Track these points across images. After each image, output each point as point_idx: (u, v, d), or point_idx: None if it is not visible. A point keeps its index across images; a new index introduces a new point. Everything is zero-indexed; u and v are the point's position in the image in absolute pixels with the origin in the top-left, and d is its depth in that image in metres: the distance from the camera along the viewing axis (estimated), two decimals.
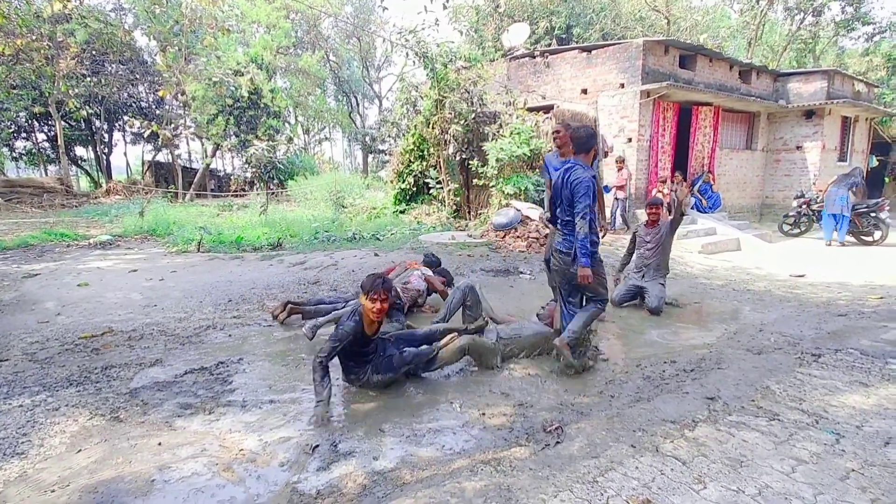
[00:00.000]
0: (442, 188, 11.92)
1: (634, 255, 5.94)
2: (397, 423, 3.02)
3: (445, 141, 11.38)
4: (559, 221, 3.87)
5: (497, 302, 5.53)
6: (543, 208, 5.20)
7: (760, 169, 14.51)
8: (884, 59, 22.63)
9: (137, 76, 23.13)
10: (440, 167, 11.83)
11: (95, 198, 20.67)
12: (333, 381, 3.29)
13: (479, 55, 12.20)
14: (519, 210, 9.40)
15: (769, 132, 14.44)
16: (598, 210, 4.11)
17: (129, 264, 7.81)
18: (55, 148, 23.07)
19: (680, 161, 12.29)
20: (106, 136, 26.17)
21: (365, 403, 3.29)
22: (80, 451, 2.71)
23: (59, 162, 22.46)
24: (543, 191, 9.74)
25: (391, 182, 13.59)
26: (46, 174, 24.90)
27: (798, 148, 14.08)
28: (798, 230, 11.88)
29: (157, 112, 24.38)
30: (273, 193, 19.42)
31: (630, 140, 11.08)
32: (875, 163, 16.96)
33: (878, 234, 10.42)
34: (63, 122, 20.98)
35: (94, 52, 19.88)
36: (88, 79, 20.01)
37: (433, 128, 11.53)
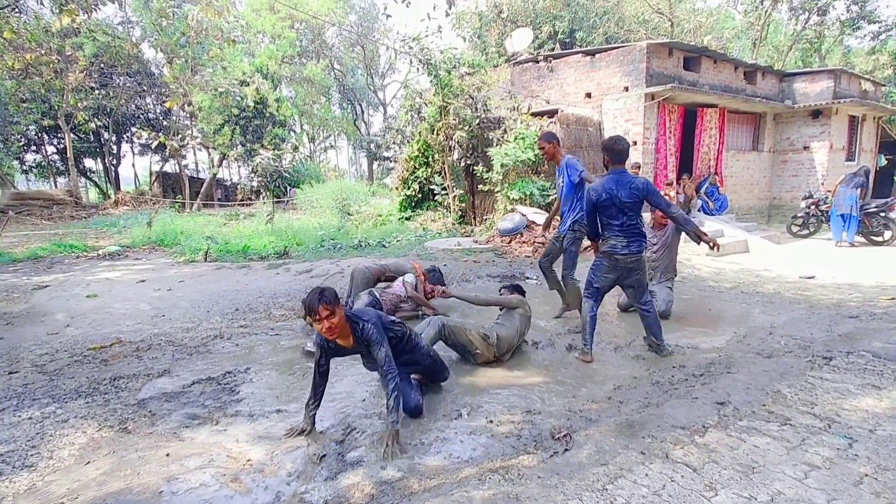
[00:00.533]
0: (447, 194, 11.93)
1: None
2: (404, 431, 3.01)
3: (450, 147, 11.40)
4: (619, 227, 3.99)
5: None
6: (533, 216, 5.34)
7: (767, 170, 14.42)
8: (890, 57, 22.49)
9: (145, 88, 23.41)
10: (445, 173, 11.85)
11: (104, 209, 20.88)
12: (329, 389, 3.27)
13: (483, 61, 12.24)
14: (524, 215, 9.39)
15: (776, 133, 14.37)
16: None
17: (137, 275, 7.87)
18: (64, 160, 23.37)
19: (686, 163, 12.25)
20: (114, 147, 26.47)
21: (370, 411, 3.28)
22: (88, 462, 2.72)
23: (69, 174, 22.74)
24: (549, 195, 9.75)
25: (396, 189, 13.63)
26: (56, 186, 25.23)
27: (805, 148, 13.99)
28: (807, 231, 11.78)
29: (165, 123, 24.65)
30: (281, 202, 19.53)
31: (635, 143, 11.05)
32: (884, 162, 16.82)
33: (888, 235, 10.31)
34: (72, 135, 21.27)
35: (102, 65, 20.14)
36: (97, 91, 20.28)
37: (438, 134, 11.56)
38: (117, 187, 26.48)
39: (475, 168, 10.96)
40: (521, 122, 10.50)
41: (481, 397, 3.47)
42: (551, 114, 11.20)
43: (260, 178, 15.75)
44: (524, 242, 8.82)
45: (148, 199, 22.13)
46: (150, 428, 3.10)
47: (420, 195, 12.79)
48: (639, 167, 10.72)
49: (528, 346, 4.49)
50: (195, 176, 28.84)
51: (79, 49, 16.73)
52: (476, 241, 9.77)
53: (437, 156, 12.02)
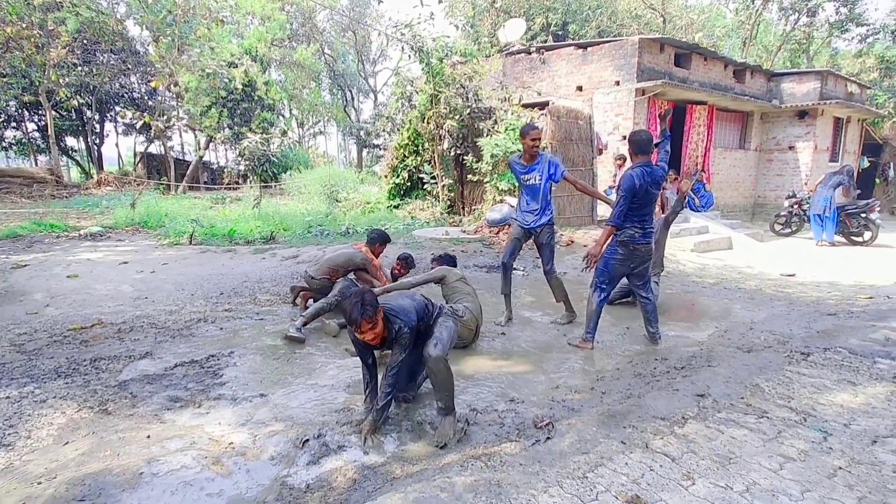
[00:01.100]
0: (436, 183, 11.90)
1: None
2: (387, 417, 3.02)
3: (440, 136, 11.35)
4: (641, 217, 4.07)
5: (491, 298, 5.53)
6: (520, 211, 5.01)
7: (753, 168, 14.59)
8: (877, 60, 22.76)
9: (130, 66, 22.87)
10: (435, 162, 11.80)
11: (86, 189, 20.46)
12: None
13: (475, 50, 12.17)
14: (513, 206, 9.40)
15: (762, 132, 14.52)
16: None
17: (119, 256, 7.75)
18: (45, 138, 22.79)
19: (673, 159, 12.33)
20: (97, 126, 25.90)
21: (353, 397, 3.28)
22: (67, 443, 2.68)
23: (50, 152, 22.21)
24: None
25: (385, 177, 13.56)
26: (36, 164, 24.63)
27: (790, 148, 14.17)
28: (789, 230, 11.96)
29: (150, 103, 24.14)
30: (268, 186, 19.33)
31: (625, 138, 11.09)
32: (866, 164, 17.09)
33: (867, 235, 10.51)
34: (54, 112, 20.73)
35: (85, 42, 19.63)
36: (80, 68, 19.77)
37: (428, 123, 11.49)
38: (100, 167, 25.94)
39: (465, 158, 10.93)
40: (512, 113, 10.48)
41: (465, 385, 3.49)
42: (542, 106, 11.18)
43: (247, 162, 15.54)
44: None
45: (132, 180, 21.74)
46: (131, 410, 3.07)
47: (409, 184, 12.74)
48: (624, 159, 10.77)
49: (511, 335, 4.51)
50: (181, 158, 28.36)
51: (61, 24, 16.26)
52: (464, 231, 9.77)
53: (426, 144, 11.97)
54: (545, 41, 16.71)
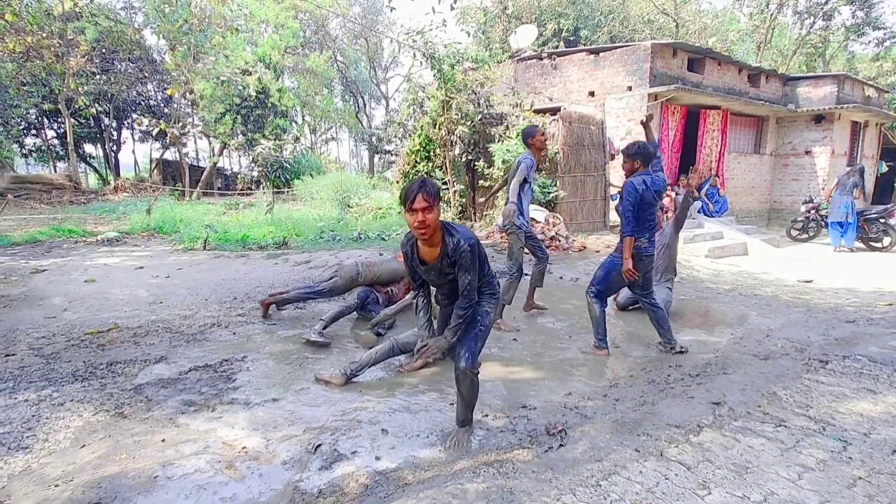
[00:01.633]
0: (448, 189, 11.91)
1: None
2: (400, 423, 3.01)
3: (452, 142, 11.37)
4: (646, 226, 4.04)
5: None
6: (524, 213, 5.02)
7: (769, 173, 14.43)
8: (894, 63, 22.48)
9: (146, 74, 23.27)
10: (446, 168, 11.82)
11: (104, 195, 20.80)
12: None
13: (487, 56, 12.17)
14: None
15: (778, 136, 14.37)
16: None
17: (135, 261, 7.85)
18: (64, 145, 23.24)
19: (687, 164, 12.24)
20: (115, 133, 26.35)
21: (367, 402, 3.28)
22: (84, 446, 2.72)
23: (69, 159, 22.62)
24: (550, 192, 9.74)
25: (397, 182, 13.59)
26: (55, 171, 25.13)
27: (807, 153, 14.00)
28: (806, 235, 11.80)
29: (166, 110, 24.52)
30: (281, 192, 19.48)
31: None
32: (885, 168, 16.82)
33: (887, 241, 10.33)
34: (72, 120, 21.14)
35: (103, 51, 19.99)
36: (98, 76, 20.15)
37: (440, 129, 11.52)
38: (117, 173, 26.37)
39: (476, 164, 10.94)
40: (524, 119, 10.48)
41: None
42: (554, 111, 11.17)
43: (260, 168, 15.69)
44: None
45: (148, 186, 22.05)
46: (146, 413, 3.10)
47: None
48: (614, 157, 10.82)
49: (522, 341, 4.49)
50: (195, 164, 28.73)
51: (80, 33, 16.62)
52: None
53: (438, 150, 11.99)
54: (556, 47, 16.71)
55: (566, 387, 3.59)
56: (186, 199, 19.93)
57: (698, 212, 11.78)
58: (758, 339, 4.61)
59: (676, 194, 11.17)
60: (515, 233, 4.85)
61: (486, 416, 3.11)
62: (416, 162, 12.53)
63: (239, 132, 21.77)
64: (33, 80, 17.94)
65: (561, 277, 6.98)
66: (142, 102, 25.14)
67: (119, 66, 22.10)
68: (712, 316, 5.64)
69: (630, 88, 11.20)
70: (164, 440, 2.76)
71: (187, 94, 20.60)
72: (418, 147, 12.41)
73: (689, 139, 12.13)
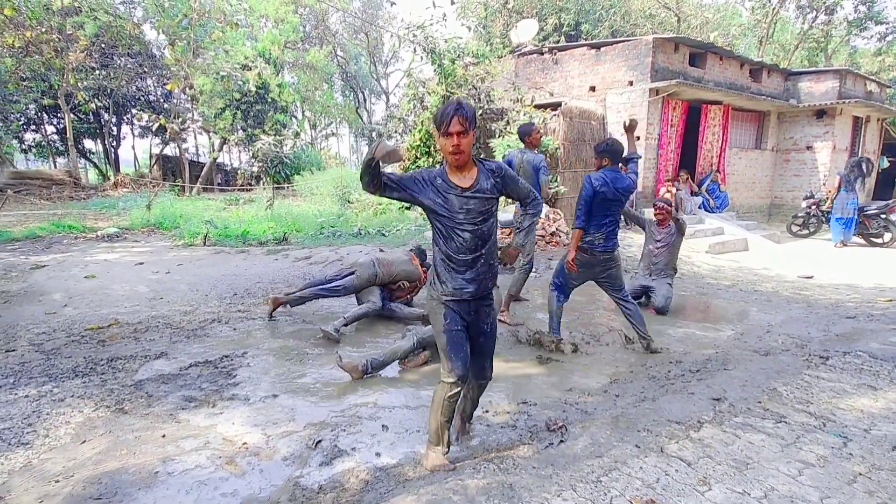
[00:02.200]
0: None
1: (644, 251, 5.89)
2: (400, 419, 3.02)
3: None
4: (601, 224, 4.02)
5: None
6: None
7: (770, 169, 14.39)
8: None
9: (146, 70, 23.19)
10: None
11: (103, 190, 20.78)
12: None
13: (487, 51, 12.14)
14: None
15: (779, 132, 14.31)
16: None
17: (135, 257, 7.85)
18: (64, 140, 23.20)
19: (688, 160, 12.21)
20: (114, 129, 26.29)
21: (366, 398, 3.28)
22: (84, 441, 2.72)
23: (68, 154, 22.59)
24: (551, 188, 9.72)
25: None
26: (55, 166, 25.09)
27: (808, 148, 13.95)
28: (807, 231, 11.78)
29: (166, 106, 24.47)
30: (281, 188, 19.47)
31: (639, 138, 11.00)
32: (886, 164, 16.77)
33: (888, 236, 10.32)
34: (72, 115, 21.09)
35: (103, 46, 19.93)
36: (97, 72, 20.09)
37: None
38: (117, 169, 26.33)
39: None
40: (525, 114, 10.44)
41: None
42: (555, 106, 11.13)
43: (260, 164, 15.67)
44: None
45: (147, 181, 22.03)
46: (147, 409, 3.10)
47: None
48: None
49: (522, 337, 4.49)
50: (195, 160, 28.70)
51: (80, 28, 16.54)
52: None
53: (438, 145, 11.97)
54: (557, 41, 16.64)
55: (566, 383, 3.59)
56: (186, 194, 19.90)
57: (699, 207, 11.76)
58: (758, 334, 4.61)
59: (678, 189, 11.15)
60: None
61: (487, 412, 3.11)
62: (417, 157, 12.51)
63: (239, 127, 21.73)
64: (32, 75, 17.90)
65: None
66: (141, 98, 25.08)
67: (118, 62, 22.02)
68: (713, 312, 5.63)
69: (631, 83, 11.15)
70: (164, 436, 2.77)
71: (187, 89, 20.53)
72: (419, 142, 12.39)
73: (690, 134, 12.08)
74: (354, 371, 3.50)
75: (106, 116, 24.73)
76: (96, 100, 20.30)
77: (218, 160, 26.03)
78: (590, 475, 2.30)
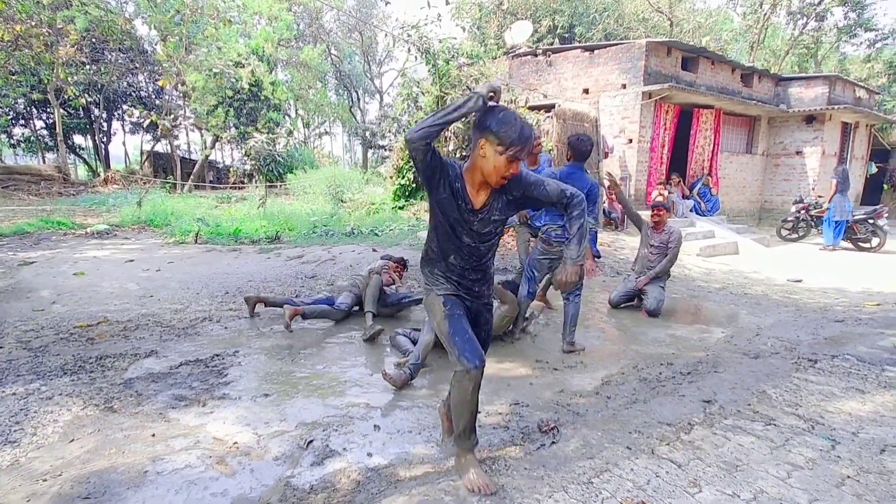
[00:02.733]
0: None
1: (638, 254, 5.90)
2: (392, 419, 3.01)
3: (446, 138, 11.35)
4: (553, 215, 4.37)
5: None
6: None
7: (760, 173, 14.53)
8: (885, 65, 22.68)
9: (137, 65, 22.96)
10: None
11: (93, 187, 20.55)
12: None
13: (482, 52, 12.17)
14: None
15: (769, 136, 14.46)
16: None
17: (125, 254, 7.77)
18: (53, 136, 22.91)
19: (679, 163, 12.30)
20: (105, 124, 26.01)
21: (358, 399, 3.28)
22: (72, 440, 2.69)
23: (58, 150, 22.31)
24: None
25: (391, 178, 13.55)
26: (44, 162, 24.75)
27: (798, 153, 14.10)
28: (796, 235, 11.91)
29: (157, 102, 24.23)
30: (273, 186, 19.38)
31: (631, 141, 11.08)
32: (874, 170, 17.00)
33: (875, 241, 10.45)
34: (62, 110, 20.84)
35: (93, 40, 19.70)
36: (88, 67, 19.86)
37: None
38: (107, 165, 26.05)
39: None
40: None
41: None
42: (549, 108, 11.17)
43: (253, 162, 15.58)
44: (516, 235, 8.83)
45: (138, 178, 21.82)
46: (136, 408, 3.07)
47: (414, 185, 12.72)
48: (608, 155, 10.96)
49: (518, 339, 4.50)
50: (187, 157, 28.43)
51: (70, 22, 16.34)
52: None
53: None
54: (551, 44, 16.68)
55: (558, 384, 3.60)
56: (178, 191, 19.76)
57: (690, 210, 11.85)
58: (748, 337, 4.65)
59: (669, 192, 11.23)
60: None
61: (478, 412, 3.11)
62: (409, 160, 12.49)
63: (231, 125, 21.59)
64: (22, 69, 17.63)
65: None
66: (132, 93, 24.83)
67: (109, 57, 21.78)
68: (703, 314, 5.68)
69: (624, 86, 11.22)
70: (154, 435, 2.74)
71: (179, 85, 20.30)
72: None
73: (681, 138, 12.18)
74: (398, 381, 3.41)
75: (96, 112, 24.46)
76: (86, 95, 20.02)
77: (210, 158, 25.85)
78: (581, 476, 2.31)
